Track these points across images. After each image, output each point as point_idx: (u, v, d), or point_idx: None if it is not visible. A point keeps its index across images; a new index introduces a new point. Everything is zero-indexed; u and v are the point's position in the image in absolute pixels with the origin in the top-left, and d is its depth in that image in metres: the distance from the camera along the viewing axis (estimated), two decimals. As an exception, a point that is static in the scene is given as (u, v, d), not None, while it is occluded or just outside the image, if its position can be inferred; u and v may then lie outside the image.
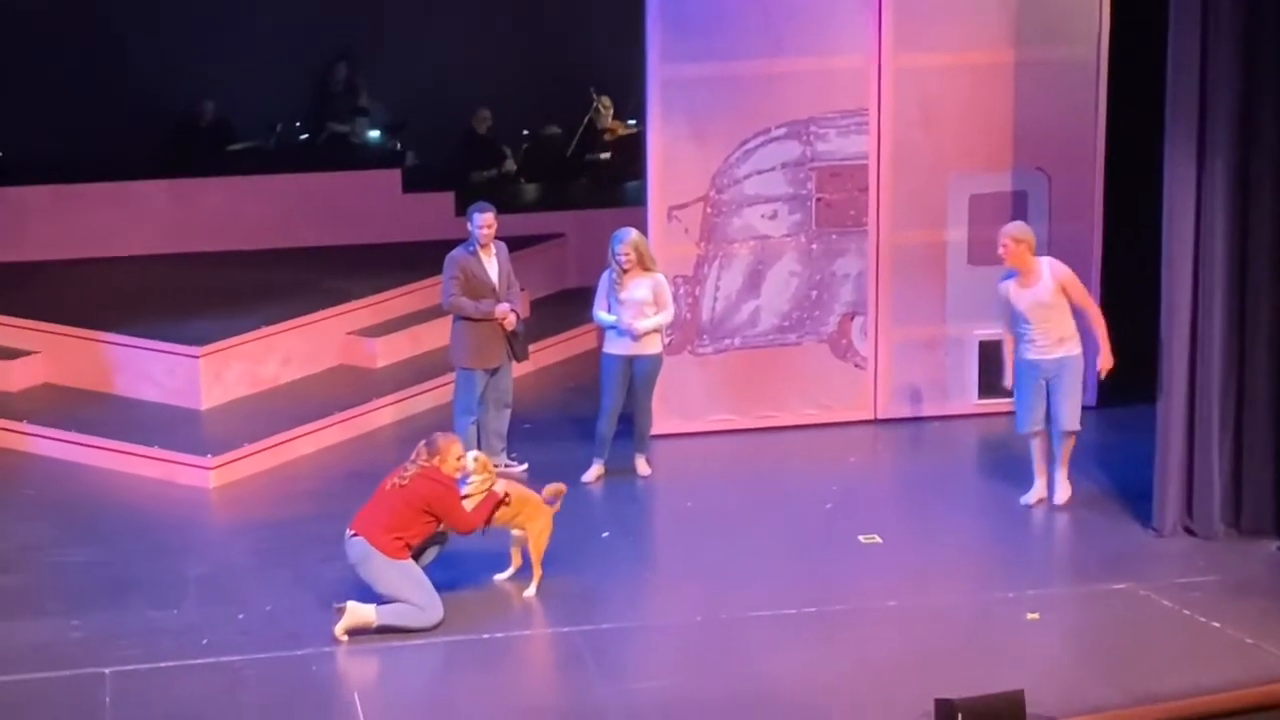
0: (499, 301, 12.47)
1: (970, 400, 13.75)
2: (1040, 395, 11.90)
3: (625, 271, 12.37)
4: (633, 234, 12.44)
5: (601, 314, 12.52)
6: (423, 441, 10.51)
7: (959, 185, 13.55)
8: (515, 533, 10.90)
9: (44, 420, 13.38)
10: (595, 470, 12.64)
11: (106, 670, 9.84)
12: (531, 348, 13.17)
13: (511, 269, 12.67)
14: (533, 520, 10.81)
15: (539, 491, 10.96)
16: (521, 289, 12.97)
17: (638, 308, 12.38)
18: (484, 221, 12.43)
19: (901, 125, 13.42)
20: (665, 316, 12.52)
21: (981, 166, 13.53)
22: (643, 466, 12.78)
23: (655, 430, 12.97)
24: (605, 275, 12.49)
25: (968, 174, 13.53)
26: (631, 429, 12.70)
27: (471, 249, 12.49)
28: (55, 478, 12.88)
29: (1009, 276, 11.89)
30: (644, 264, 12.42)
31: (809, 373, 13.63)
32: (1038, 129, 13.48)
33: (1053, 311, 11.77)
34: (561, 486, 11.04)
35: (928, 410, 13.78)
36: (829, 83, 13.30)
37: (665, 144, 13.23)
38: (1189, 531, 11.55)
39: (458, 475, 10.51)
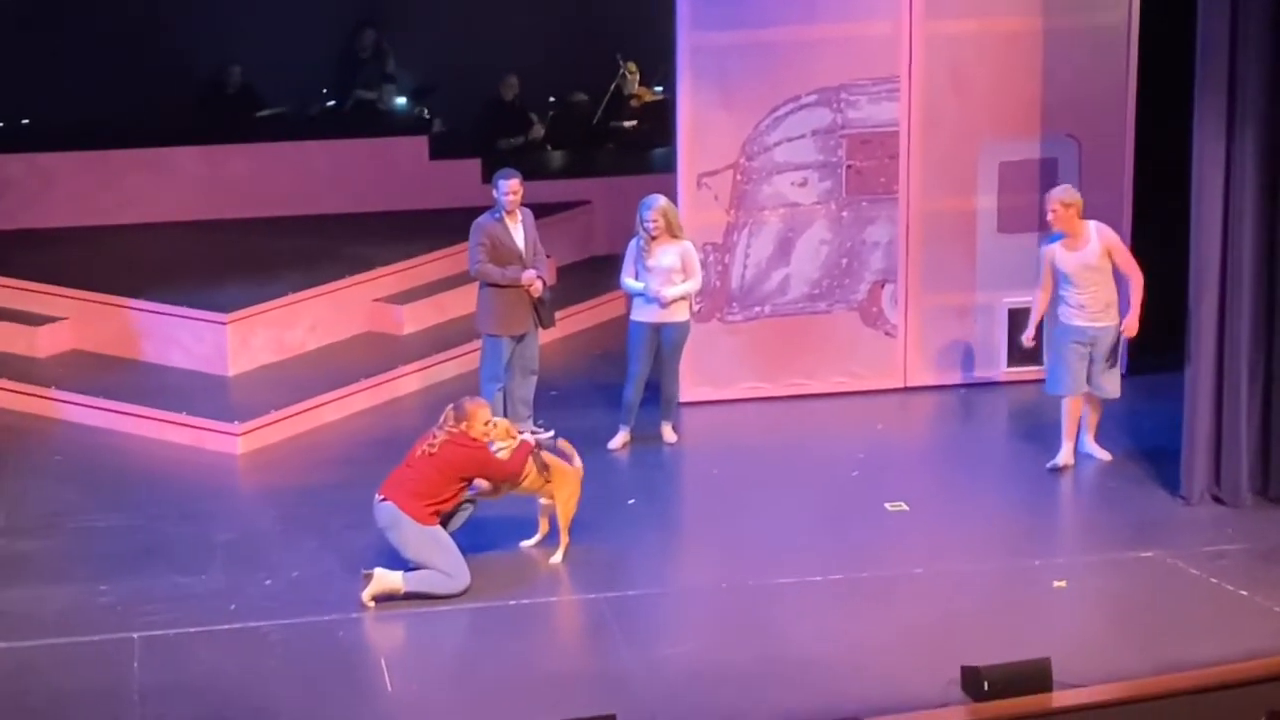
0: (525, 268, 12.45)
1: (999, 368, 13.71)
2: (1083, 361, 11.89)
3: (653, 238, 12.33)
4: (661, 201, 12.40)
5: (629, 281, 12.49)
6: (450, 406, 10.52)
7: (989, 152, 13.48)
8: (543, 500, 10.91)
9: (72, 386, 13.39)
10: (621, 437, 12.63)
11: (135, 635, 9.88)
12: (558, 315, 13.14)
13: (538, 236, 12.65)
14: (560, 487, 10.82)
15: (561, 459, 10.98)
16: (548, 256, 12.94)
17: (665, 275, 12.35)
18: (510, 188, 12.39)
19: (932, 92, 13.36)
20: (693, 284, 12.49)
21: (1012, 133, 13.46)
22: (669, 434, 12.76)
23: (684, 398, 12.97)
24: (633, 242, 12.46)
25: (998, 141, 13.46)
26: (658, 396, 12.69)
27: (498, 216, 12.47)
28: (83, 443, 12.90)
29: (1053, 239, 11.87)
30: (672, 231, 12.38)
31: (839, 341, 13.60)
32: (1068, 95, 13.41)
33: (1099, 274, 11.79)
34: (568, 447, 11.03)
35: (957, 378, 13.74)
36: (860, 49, 13.24)
37: (695, 111, 13.18)
38: (1217, 499, 11.52)
39: (484, 440, 10.51)
